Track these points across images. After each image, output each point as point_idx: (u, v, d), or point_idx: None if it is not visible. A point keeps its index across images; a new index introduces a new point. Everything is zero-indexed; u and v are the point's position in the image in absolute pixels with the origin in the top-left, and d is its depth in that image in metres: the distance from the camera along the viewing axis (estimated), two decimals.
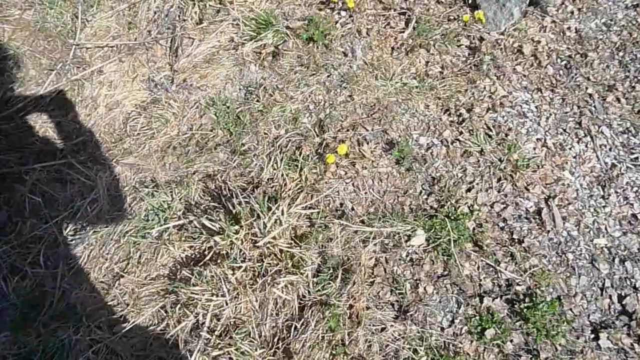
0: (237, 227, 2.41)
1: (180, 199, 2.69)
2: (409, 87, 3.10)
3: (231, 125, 2.90)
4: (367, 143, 2.84)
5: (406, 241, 2.57)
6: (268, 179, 2.69)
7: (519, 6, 3.47)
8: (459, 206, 2.70)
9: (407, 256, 2.57)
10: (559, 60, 3.38)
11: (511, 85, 3.23)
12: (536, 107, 3.16)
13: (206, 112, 2.98)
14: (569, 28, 3.54)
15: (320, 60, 3.16)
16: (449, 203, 2.70)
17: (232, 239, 2.37)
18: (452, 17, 3.47)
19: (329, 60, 3.17)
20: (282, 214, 2.43)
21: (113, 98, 3.17)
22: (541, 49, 3.40)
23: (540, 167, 2.91)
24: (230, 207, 2.47)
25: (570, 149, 3.00)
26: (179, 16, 3.39)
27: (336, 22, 3.37)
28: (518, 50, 3.38)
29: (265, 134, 2.87)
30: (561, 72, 3.32)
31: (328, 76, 3.11)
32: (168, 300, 2.42)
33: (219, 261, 2.39)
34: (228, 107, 2.97)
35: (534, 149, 2.99)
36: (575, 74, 3.29)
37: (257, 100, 3.00)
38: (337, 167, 2.73)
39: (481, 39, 3.40)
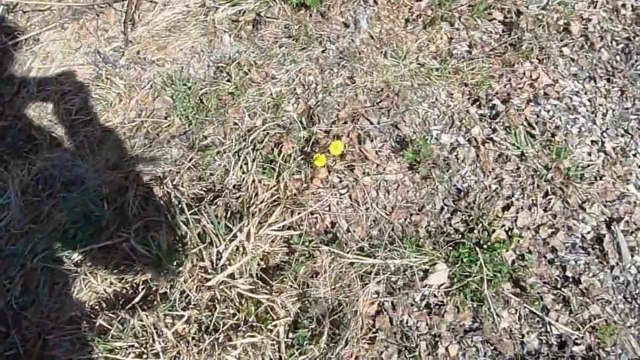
0: (181, 256, 1.58)
1: (114, 210, 1.87)
2: (427, 68, 2.26)
3: (191, 111, 2.07)
4: (371, 140, 2.00)
5: (422, 279, 1.75)
6: (234, 186, 1.86)
7: None
8: (494, 230, 1.87)
9: (422, 300, 1.74)
10: (614, 43, 2.52)
11: (557, 71, 2.38)
12: (589, 100, 2.31)
13: (161, 94, 2.15)
14: (624, 5, 2.67)
15: (313, 31, 2.32)
16: (479, 225, 1.87)
17: (172, 274, 1.54)
18: None
19: (324, 32, 2.33)
20: (248, 237, 1.60)
21: (47, 74, 2.33)
22: (592, 29, 2.55)
23: (598, 178, 2.07)
24: (175, 226, 1.64)
25: (634, 155, 2.17)
26: None
27: None
28: (564, 29, 2.53)
29: (235, 124, 2.04)
30: (618, 57, 2.47)
31: (323, 51, 2.27)
32: (82, 358, 1.60)
33: (154, 304, 1.57)
34: (189, 88, 2.14)
35: (589, 154, 2.15)
36: (636, 61, 2.44)
37: (228, 80, 2.16)
38: (330, 172, 1.90)
39: (518, 13, 2.54)
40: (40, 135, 2.17)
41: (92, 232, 1.83)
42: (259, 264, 1.68)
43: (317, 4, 2.33)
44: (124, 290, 1.71)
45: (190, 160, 1.96)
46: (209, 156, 1.95)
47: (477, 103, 2.23)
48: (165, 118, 2.11)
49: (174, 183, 1.92)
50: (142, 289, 1.65)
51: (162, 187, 1.92)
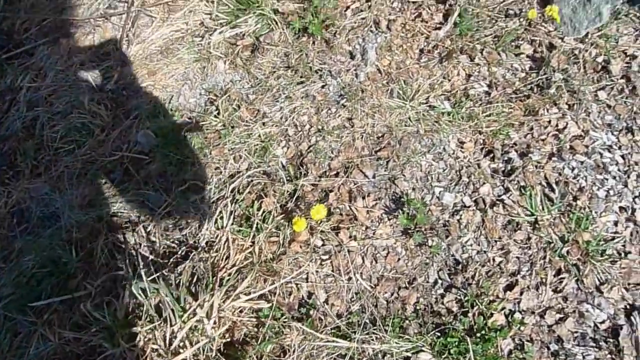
0: (134, 328, 1.41)
1: (83, 255, 1.72)
2: (437, 112, 1.97)
3: (173, 149, 1.87)
4: (363, 197, 1.75)
5: None
6: (207, 242, 1.66)
7: (611, 3, 2.22)
8: (491, 314, 1.61)
9: None
10: None
11: (589, 119, 2.04)
12: (622, 156, 1.98)
13: (145, 126, 1.95)
14: None
15: (315, 61, 2.06)
16: (475, 307, 1.61)
17: (123, 348, 1.38)
18: (511, 12, 2.26)
19: (327, 64, 2.06)
20: (209, 314, 1.41)
21: (38, 92, 2.18)
22: (636, 68, 2.18)
23: (622, 255, 1.76)
24: (134, 292, 1.47)
25: None
26: None
27: (347, 8, 2.23)
28: (603, 68, 2.17)
29: (217, 168, 1.83)
30: None
31: (322, 87, 2.01)
32: None
33: None
34: (174, 123, 1.93)
35: (615, 224, 1.83)
36: None
37: (217, 115, 1.94)
38: (312, 232, 1.67)
39: (551, 47, 2.20)
40: (23, 161, 2.03)
41: (59, 280, 1.69)
42: (223, 337, 1.49)
43: (320, 31, 2.05)
44: (79, 352, 1.56)
45: (167, 206, 1.78)
46: (184, 207, 1.75)
47: (491, 155, 1.94)
48: (147, 154, 1.93)
49: (147, 230, 1.75)
50: (99, 353, 1.50)
51: (134, 233, 1.75)
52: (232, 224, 1.67)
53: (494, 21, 2.23)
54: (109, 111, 2.02)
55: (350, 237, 1.69)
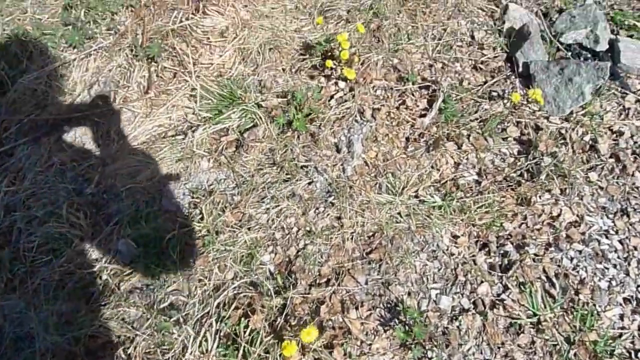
0: None
1: None
2: (427, 206, 1.91)
3: (155, 260, 1.77)
4: (357, 307, 1.66)
5: None
6: None
7: (592, 82, 2.23)
8: None
9: None
10: None
11: (583, 203, 1.99)
12: (621, 241, 1.92)
13: (125, 232, 1.86)
14: None
15: (300, 157, 2.01)
16: None
17: None
18: (495, 94, 2.25)
19: (312, 159, 2.01)
20: None
21: (16, 196, 2.10)
22: (624, 145, 2.16)
23: (632, 354, 1.66)
24: None
25: None
26: (119, 82, 2.30)
27: (330, 97, 2.21)
28: (591, 147, 2.14)
29: (200, 280, 1.73)
30: None
31: (309, 184, 1.95)
32: None
33: None
34: (156, 230, 1.85)
35: (621, 317, 1.74)
36: None
37: (201, 219, 1.86)
38: (304, 352, 1.55)
39: (537, 128, 2.17)
40: None
41: None
42: None
43: (304, 128, 2.02)
44: None
45: (148, 325, 1.66)
46: (167, 322, 1.64)
47: (487, 249, 1.86)
48: (128, 264, 1.83)
49: (128, 353, 1.62)
50: None
51: (114, 358, 1.62)
52: (218, 346, 1.55)
53: (478, 104, 2.22)
54: (88, 219, 1.93)
55: (344, 354, 1.57)
